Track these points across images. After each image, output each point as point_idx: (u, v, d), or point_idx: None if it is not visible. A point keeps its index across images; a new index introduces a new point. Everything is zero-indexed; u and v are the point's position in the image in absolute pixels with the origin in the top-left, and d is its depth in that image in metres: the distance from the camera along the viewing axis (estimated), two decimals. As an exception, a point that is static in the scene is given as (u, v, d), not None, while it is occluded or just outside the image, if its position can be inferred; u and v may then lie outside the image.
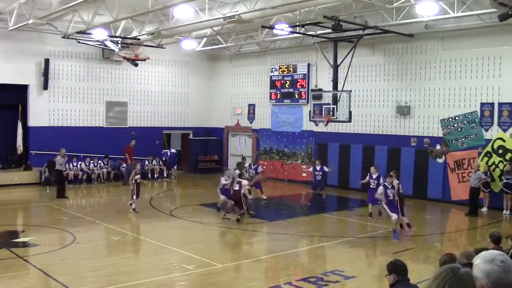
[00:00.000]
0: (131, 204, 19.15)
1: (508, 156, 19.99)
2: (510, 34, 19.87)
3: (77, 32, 23.53)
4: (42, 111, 26.48)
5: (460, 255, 6.08)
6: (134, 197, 18.99)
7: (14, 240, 14.66)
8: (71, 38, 24.69)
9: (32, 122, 26.35)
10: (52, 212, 19.63)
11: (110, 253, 14.24)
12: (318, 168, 21.62)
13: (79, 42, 25.51)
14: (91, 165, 27.06)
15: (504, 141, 20.20)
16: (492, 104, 20.65)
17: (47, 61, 26.00)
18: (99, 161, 27.36)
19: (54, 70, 26.60)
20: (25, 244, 14.27)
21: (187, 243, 14.82)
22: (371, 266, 13.55)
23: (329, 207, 22.84)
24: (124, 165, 26.91)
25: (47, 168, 25.38)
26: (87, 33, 23.67)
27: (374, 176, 18.89)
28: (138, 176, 19.17)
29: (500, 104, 20.42)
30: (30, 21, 21.19)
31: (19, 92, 26.18)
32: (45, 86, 26.20)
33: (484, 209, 19.93)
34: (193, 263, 12.53)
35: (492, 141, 20.54)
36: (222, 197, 18.53)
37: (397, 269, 6.47)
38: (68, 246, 14.09)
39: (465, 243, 15.85)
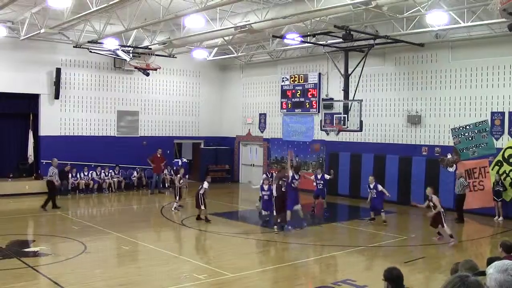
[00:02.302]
0: (176, 204, 21.55)
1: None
2: (520, 43, 19.87)
3: (89, 42, 23.70)
4: (53, 120, 26.61)
5: (460, 264, 6.01)
6: (177, 197, 21.36)
7: (25, 250, 14.69)
8: (83, 48, 24.85)
9: (43, 131, 26.49)
10: (62, 222, 19.72)
11: (120, 262, 14.24)
12: (319, 176, 21.43)
13: (90, 51, 25.67)
14: (102, 174, 27.11)
15: (515, 150, 20.10)
16: (502, 113, 20.59)
17: (58, 71, 26.16)
18: (110, 171, 27.41)
19: (65, 79, 26.75)
20: (35, 254, 14.28)
21: (198, 253, 14.84)
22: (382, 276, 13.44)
23: (340, 216, 22.77)
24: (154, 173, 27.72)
25: (58, 177, 25.37)
26: (99, 43, 23.83)
27: (372, 185, 19.26)
28: (182, 181, 21.81)
29: (510, 113, 20.35)
30: (42, 31, 21.35)
31: (30, 101, 26.34)
32: (57, 96, 26.34)
33: (500, 219, 19.79)
34: (204, 272, 12.50)
35: (503, 150, 20.42)
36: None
37: (392, 279, 6.42)
38: (78, 255, 14.07)
39: (476, 252, 15.75)
